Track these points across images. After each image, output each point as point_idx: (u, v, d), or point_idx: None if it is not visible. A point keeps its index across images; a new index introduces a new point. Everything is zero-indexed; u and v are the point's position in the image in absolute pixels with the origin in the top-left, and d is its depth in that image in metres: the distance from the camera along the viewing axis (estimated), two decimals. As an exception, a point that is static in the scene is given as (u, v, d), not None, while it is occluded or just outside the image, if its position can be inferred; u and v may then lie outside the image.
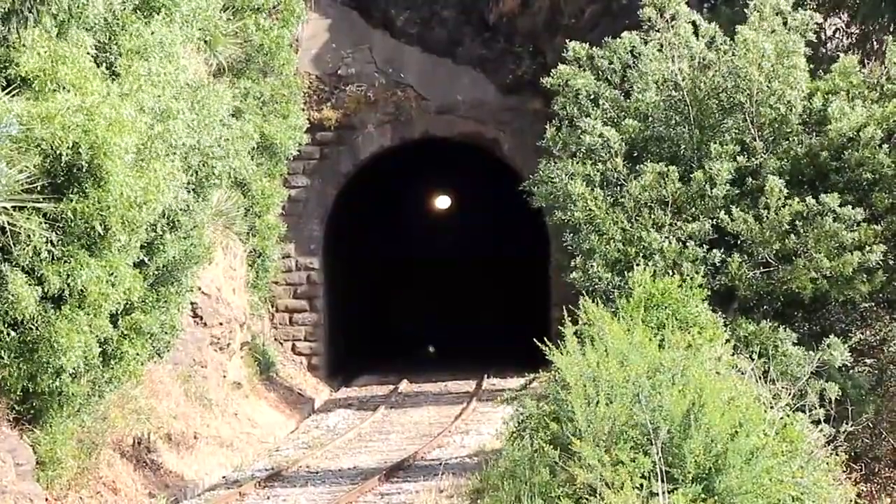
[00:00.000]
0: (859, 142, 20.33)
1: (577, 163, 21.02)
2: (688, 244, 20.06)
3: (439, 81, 38.15)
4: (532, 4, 37.76)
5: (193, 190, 19.34)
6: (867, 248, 19.66)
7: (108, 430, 20.61)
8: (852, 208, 19.78)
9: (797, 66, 20.97)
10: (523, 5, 37.95)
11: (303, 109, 34.04)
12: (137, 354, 18.43)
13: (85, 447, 19.37)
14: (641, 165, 20.72)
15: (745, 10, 21.81)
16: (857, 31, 27.44)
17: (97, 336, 17.09)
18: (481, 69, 38.30)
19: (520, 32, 38.01)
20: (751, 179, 20.65)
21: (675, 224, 20.32)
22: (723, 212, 20.18)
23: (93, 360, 17.23)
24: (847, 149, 20.42)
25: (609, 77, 21.86)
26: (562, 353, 14.98)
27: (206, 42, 26.29)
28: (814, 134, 20.91)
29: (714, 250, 20.05)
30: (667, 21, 21.46)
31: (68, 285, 16.40)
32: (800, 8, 21.92)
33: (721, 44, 21.46)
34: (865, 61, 26.09)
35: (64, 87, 16.46)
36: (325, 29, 38.18)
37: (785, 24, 21.47)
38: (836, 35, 27.50)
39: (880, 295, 20.62)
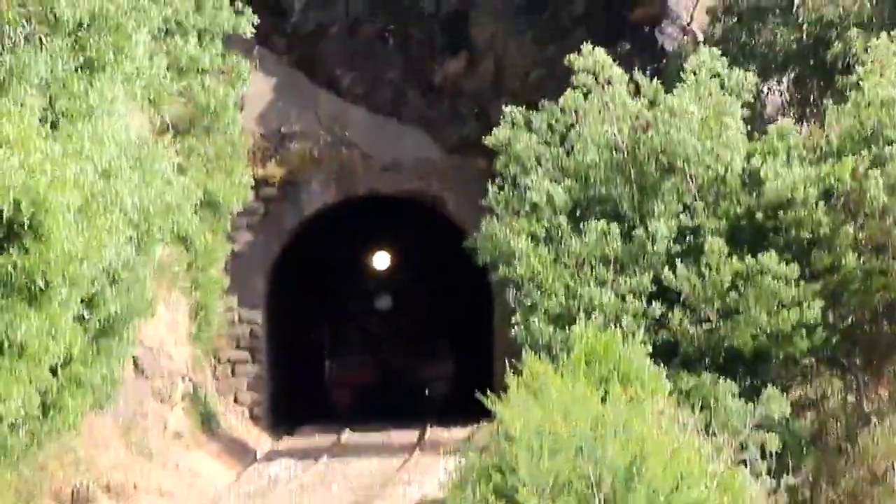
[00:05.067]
0: (796, 202, 20.53)
1: (522, 219, 21.18)
2: (627, 298, 20.19)
3: (384, 140, 38.27)
4: (477, 67, 38.06)
5: (136, 245, 19.31)
6: (805, 305, 19.83)
7: (47, 480, 20.46)
8: (786, 265, 19.94)
9: (730, 127, 21.22)
10: (468, 68, 38.24)
11: (247, 165, 34.06)
12: (78, 406, 18.33)
13: (23, 498, 19.23)
14: (584, 223, 20.88)
15: (682, 73, 22.12)
16: (797, 95, 27.86)
17: (37, 387, 17.00)
18: (426, 129, 38.49)
19: (465, 94, 38.27)
20: (692, 238, 20.83)
21: (617, 280, 20.47)
22: (666, 268, 20.33)
23: (32, 410, 17.13)
24: (784, 209, 20.61)
25: (548, 139, 22.11)
26: (505, 405, 15.03)
27: (150, 101, 26.34)
28: (754, 195, 21.11)
29: (655, 303, 20.19)
30: (602, 86, 21.77)
31: (7, 337, 16.32)
32: (737, 69, 22.22)
33: (659, 104, 21.71)
34: (805, 123, 26.51)
35: (7, 145, 16.45)
36: (271, 88, 38.25)
37: (722, 86, 21.76)
38: (773, 97, 27.95)
39: (820, 351, 20.79)
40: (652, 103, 21.89)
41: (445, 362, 43.91)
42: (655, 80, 22.46)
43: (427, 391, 43.80)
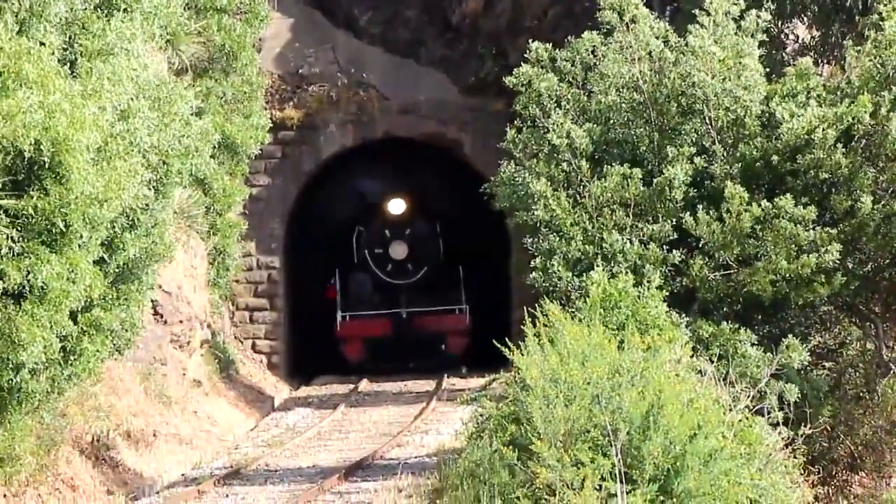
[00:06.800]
0: (813, 143, 20.38)
1: (541, 162, 21.09)
2: (649, 245, 20.15)
3: (402, 82, 38.18)
4: (495, 5, 37.88)
5: (154, 188, 19.30)
6: (823, 249, 19.75)
7: (67, 427, 20.57)
8: (804, 208, 19.86)
9: (750, 68, 21.06)
10: (486, 6, 38.06)
11: (265, 108, 34.05)
12: (97, 351, 18.39)
13: (44, 444, 19.32)
14: (606, 167, 20.79)
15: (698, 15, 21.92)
16: (817, 36, 27.67)
17: (57, 332, 17.06)
18: (444, 70, 38.38)
19: (483, 33, 38.11)
20: (710, 183, 20.74)
21: (637, 226, 20.41)
22: (687, 214, 20.27)
23: (53, 356, 17.19)
24: (801, 151, 20.48)
25: (571, 79, 21.92)
26: (522, 354, 15.04)
27: (168, 41, 26.27)
28: (772, 138, 20.98)
29: (674, 251, 20.14)
30: (626, 24, 21.55)
31: (28, 281, 16.35)
32: (753, 10, 22.03)
33: (675, 44, 21.55)
34: (825, 65, 26.33)
35: (26, 84, 16.42)
36: (288, 28, 38.15)
37: (739, 28, 21.60)
38: (792, 39, 27.76)
39: (839, 298, 20.73)
40: (667, 43, 21.73)
41: (462, 312, 42.86)
42: (664, 22, 22.27)
43: (443, 344, 42.61)
